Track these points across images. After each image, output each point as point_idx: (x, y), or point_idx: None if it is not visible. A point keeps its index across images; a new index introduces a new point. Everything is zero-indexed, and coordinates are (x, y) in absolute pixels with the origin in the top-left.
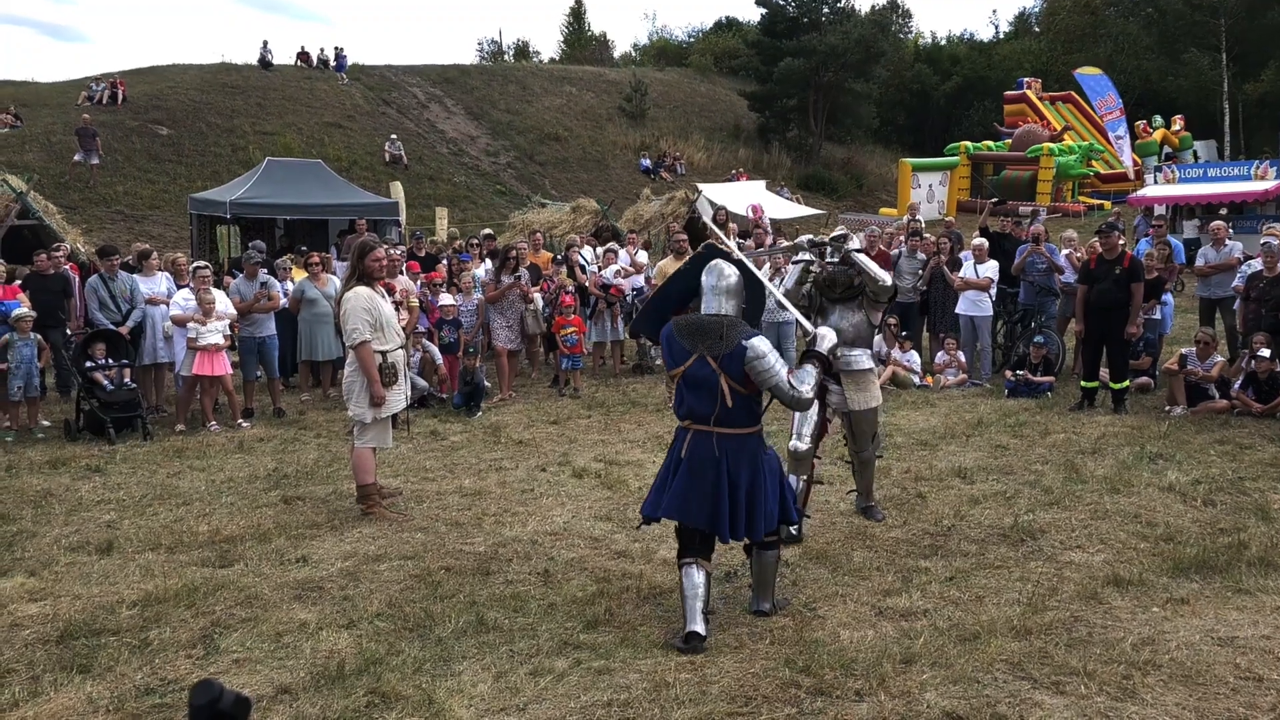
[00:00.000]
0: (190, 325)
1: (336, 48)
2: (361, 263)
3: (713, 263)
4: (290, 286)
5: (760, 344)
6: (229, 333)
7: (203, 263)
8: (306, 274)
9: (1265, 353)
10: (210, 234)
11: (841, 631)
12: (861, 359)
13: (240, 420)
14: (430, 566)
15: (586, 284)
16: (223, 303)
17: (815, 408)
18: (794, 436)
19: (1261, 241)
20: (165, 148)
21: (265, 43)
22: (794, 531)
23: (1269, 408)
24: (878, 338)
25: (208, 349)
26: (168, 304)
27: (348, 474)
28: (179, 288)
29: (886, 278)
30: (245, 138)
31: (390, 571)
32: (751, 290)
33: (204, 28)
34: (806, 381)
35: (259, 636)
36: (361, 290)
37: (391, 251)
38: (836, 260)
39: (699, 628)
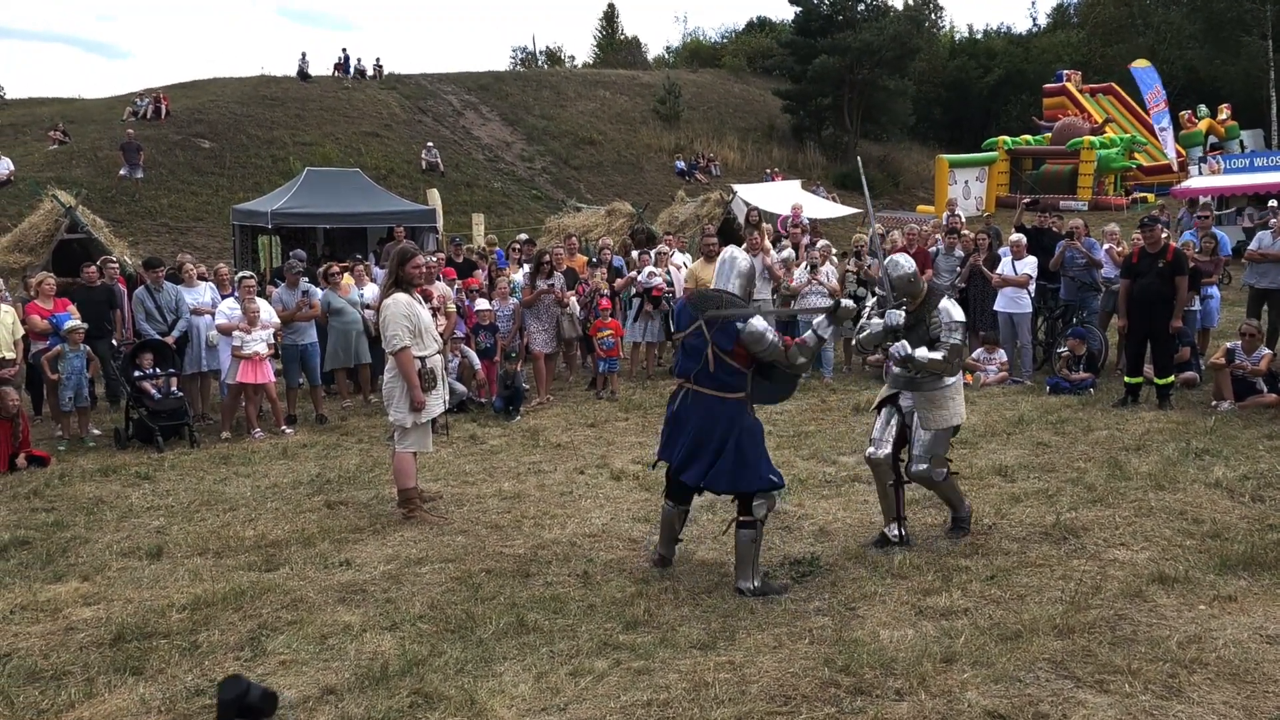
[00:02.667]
0: (235, 334)
1: (342, 48)
2: (401, 269)
3: (726, 251)
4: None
5: (758, 323)
6: (273, 341)
7: (248, 272)
8: (354, 282)
9: None
10: (252, 244)
11: (881, 631)
12: (917, 351)
13: (284, 427)
14: (471, 569)
15: (618, 287)
16: (266, 312)
17: (881, 416)
18: (871, 443)
19: None
20: (208, 160)
21: (304, 54)
22: (895, 536)
23: None
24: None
25: (252, 357)
26: (212, 314)
27: (389, 478)
28: (223, 297)
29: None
30: (285, 148)
31: (431, 574)
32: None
33: (243, 40)
34: (803, 353)
35: (304, 639)
36: (400, 297)
37: (429, 259)
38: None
39: (664, 550)
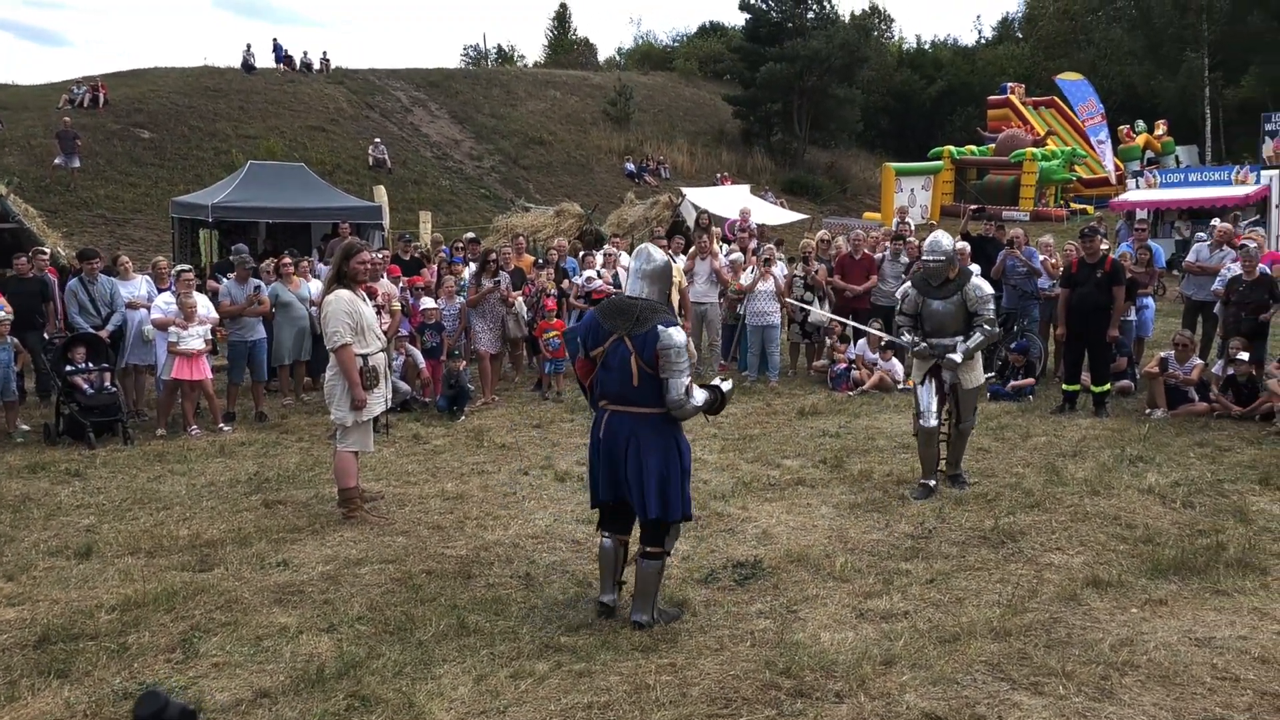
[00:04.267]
0: (171, 329)
1: (274, 39)
2: (346, 264)
3: (642, 246)
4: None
5: (676, 334)
6: (210, 337)
7: (186, 266)
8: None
9: (1244, 356)
10: (192, 238)
11: (822, 633)
12: (957, 353)
13: (221, 424)
14: (411, 570)
15: (568, 291)
16: (204, 307)
17: (934, 387)
18: (923, 415)
19: (1240, 245)
20: (147, 151)
21: (249, 45)
22: (930, 485)
23: (1248, 410)
24: (862, 342)
25: (188, 353)
26: (148, 308)
27: (329, 478)
28: (160, 291)
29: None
30: (227, 141)
31: (371, 575)
32: None
33: (185, 31)
34: (696, 398)
35: (238, 640)
36: (343, 293)
37: (374, 255)
38: (932, 258)
39: (606, 598)
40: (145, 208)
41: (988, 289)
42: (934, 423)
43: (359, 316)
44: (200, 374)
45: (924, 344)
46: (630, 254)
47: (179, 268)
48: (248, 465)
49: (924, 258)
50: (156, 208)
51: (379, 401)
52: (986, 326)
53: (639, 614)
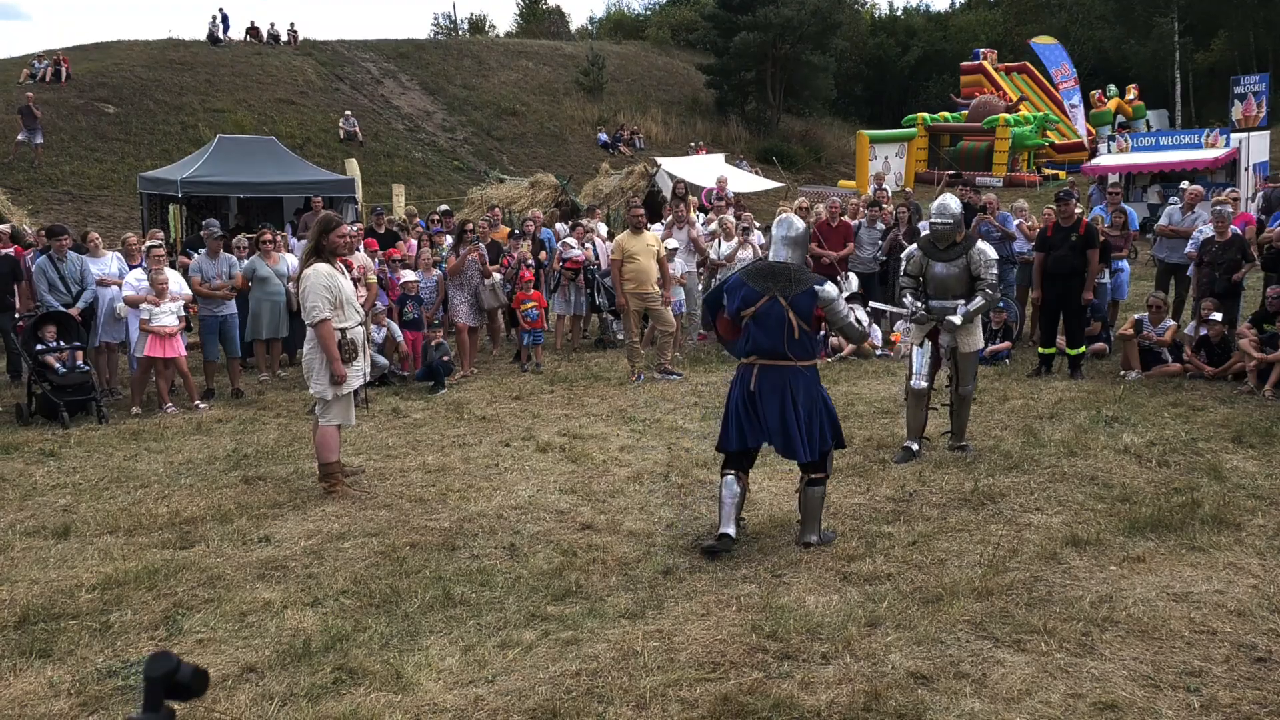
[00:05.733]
0: (143, 306)
1: (222, 10)
2: (325, 238)
3: (784, 215)
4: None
5: (831, 289)
6: (184, 314)
7: (157, 241)
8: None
9: (1216, 316)
10: (161, 213)
11: (807, 597)
12: (958, 316)
13: (198, 402)
14: (395, 543)
15: (545, 261)
16: (177, 283)
17: (930, 349)
18: (914, 376)
19: (1213, 207)
20: (112, 126)
21: (214, 17)
22: (913, 448)
23: (1220, 370)
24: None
25: (162, 331)
26: (119, 285)
27: (309, 453)
28: (131, 268)
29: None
30: (195, 115)
31: (355, 549)
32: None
33: (149, 3)
34: (861, 317)
35: (222, 616)
36: (321, 267)
37: (349, 229)
38: (940, 220)
39: (730, 530)
40: (112, 184)
41: (992, 253)
42: (924, 384)
43: (338, 290)
44: (174, 351)
45: (922, 309)
46: (605, 225)
47: (149, 244)
48: (226, 442)
49: (932, 220)
50: (124, 184)
51: (358, 375)
52: (989, 290)
53: (808, 535)
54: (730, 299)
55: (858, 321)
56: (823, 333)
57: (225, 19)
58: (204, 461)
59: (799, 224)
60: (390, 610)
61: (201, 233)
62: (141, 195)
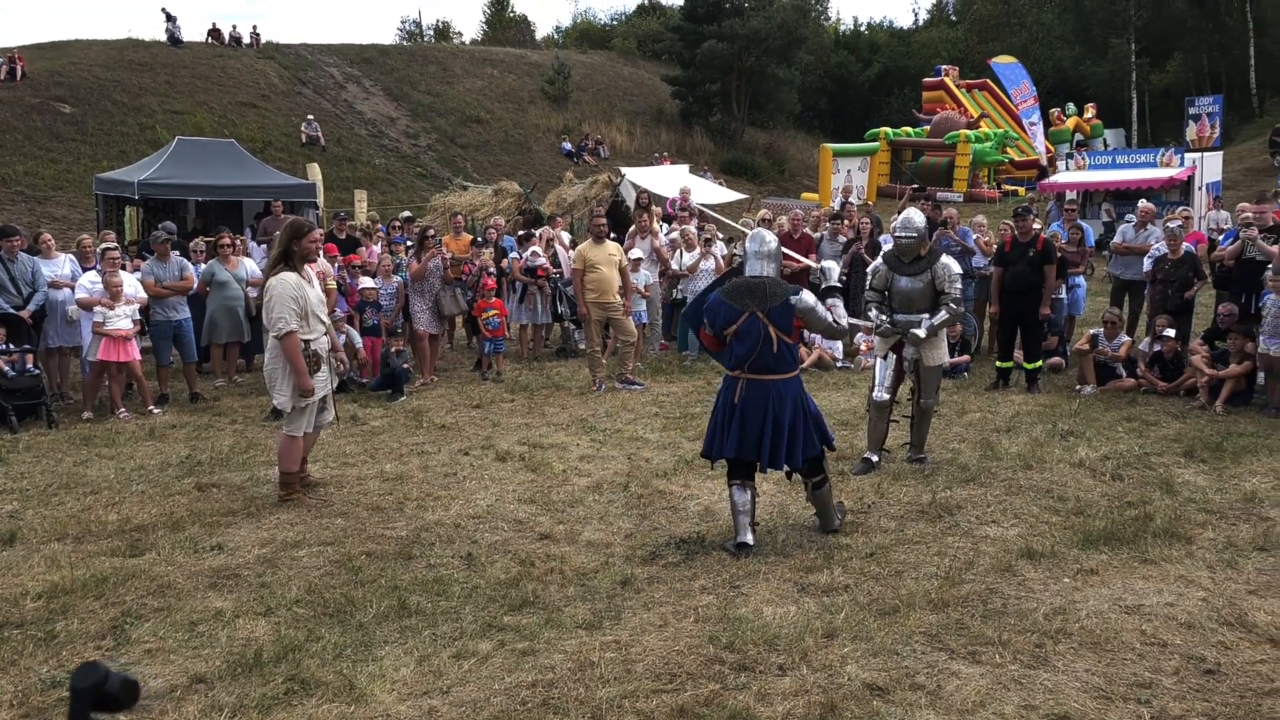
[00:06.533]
0: (97, 309)
1: (162, 9)
2: (298, 243)
3: (755, 230)
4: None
5: (807, 297)
6: (138, 317)
7: (111, 244)
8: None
9: (1170, 333)
10: (118, 215)
11: (765, 608)
12: (922, 329)
13: (152, 407)
14: (351, 552)
15: (507, 268)
16: (131, 286)
17: (893, 362)
18: (877, 388)
19: (1165, 225)
20: (68, 126)
21: (175, 19)
22: (873, 460)
23: (1173, 385)
24: None
25: (115, 334)
26: (72, 287)
27: (265, 460)
28: (84, 270)
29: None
30: (153, 116)
31: (309, 558)
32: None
33: (109, 3)
34: (842, 313)
35: (172, 626)
36: (289, 277)
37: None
38: (905, 234)
39: (748, 538)
40: (67, 185)
41: (956, 268)
42: (886, 397)
43: (305, 300)
44: (128, 355)
45: (887, 323)
46: (569, 234)
47: (103, 246)
48: (179, 448)
49: (897, 234)
50: (79, 185)
51: (323, 385)
52: (953, 305)
53: (830, 524)
54: (711, 319)
55: (835, 322)
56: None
57: (170, 19)
58: (156, 468)
59: (771, 238)
60: (344, 620)
61: (153, 235)
62: (97, 197)
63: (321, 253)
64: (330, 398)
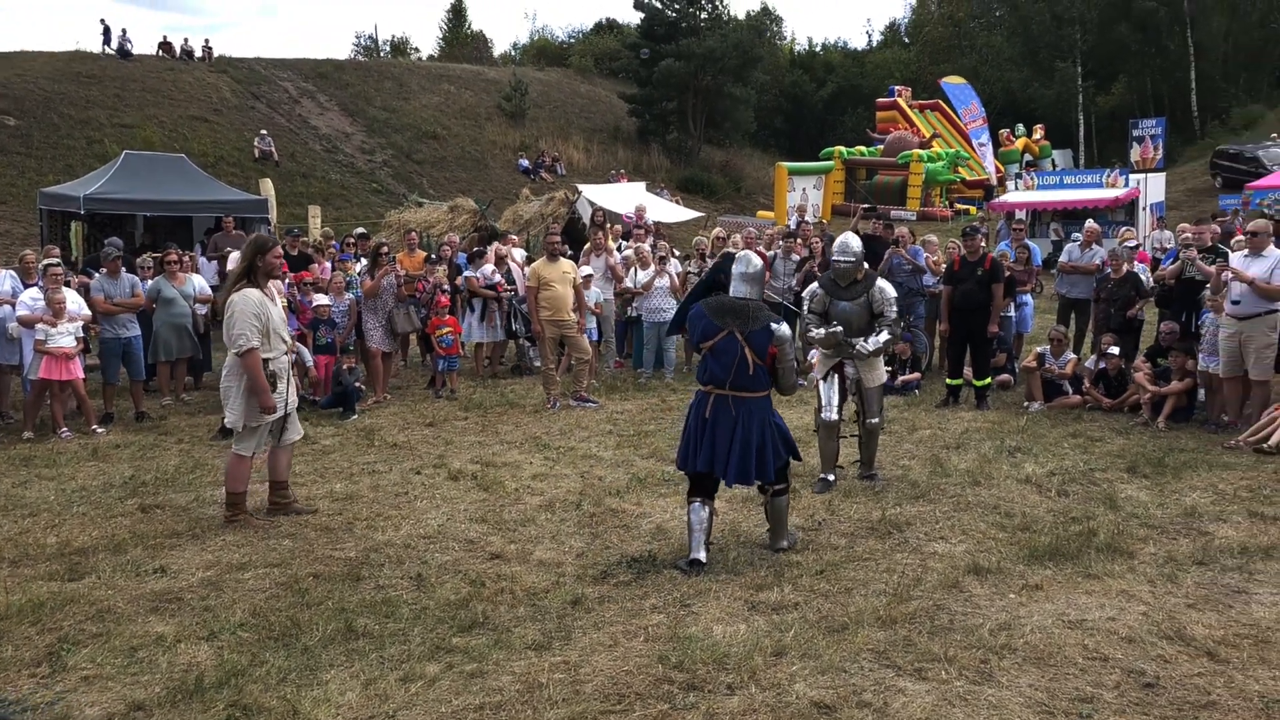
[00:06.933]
0: (39, 327)
1: (122, 29)
2: (262, 258)
3: (742, 252)
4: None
5: (786, 329)
6: (82, 335)
7: (54, 260)
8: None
9: (1114, 351)
10: (62, 230)
11: (715, 626)
12: (867, 347)
13: (95, 426)
14: (298, 574)
15: (461, 286)
16: (74, 303)
17: (836, 383)
18: (825, 409)
19: (1119, 245)
20: (13, 139)
21: (124, 31)
22: (829, 479)
23: (1117, 402)
24: None
25: (58, 352)
26: (13, 304)
27: (211, 480)
28: (26, 286)
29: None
30: (102, 130)
31: (255, 580)
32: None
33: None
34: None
35: (111, 651)
36: (251, 293)
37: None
38: (842, 259)
39: (701, 556)
40: (10, 199)
41: (892, 291)
42: (835, 416)
43: (267, 318)
44: (71, 374)
45: (838, 329)
46: (518, 250)
47: (46, 262)
48: (123, 469)
49: (834, 258)
50: (23, 199)
51: (281, 403)
52: (892, 326)
53: (779, 542)
54: (691, 330)
55: (796, 363)
56: None
57: (108, 30)
58: (99, 488)
59: (756, 261)
60: (290, 643)
61: (103, 251)
62: (41, 211)
63: None
64: (295, 415)
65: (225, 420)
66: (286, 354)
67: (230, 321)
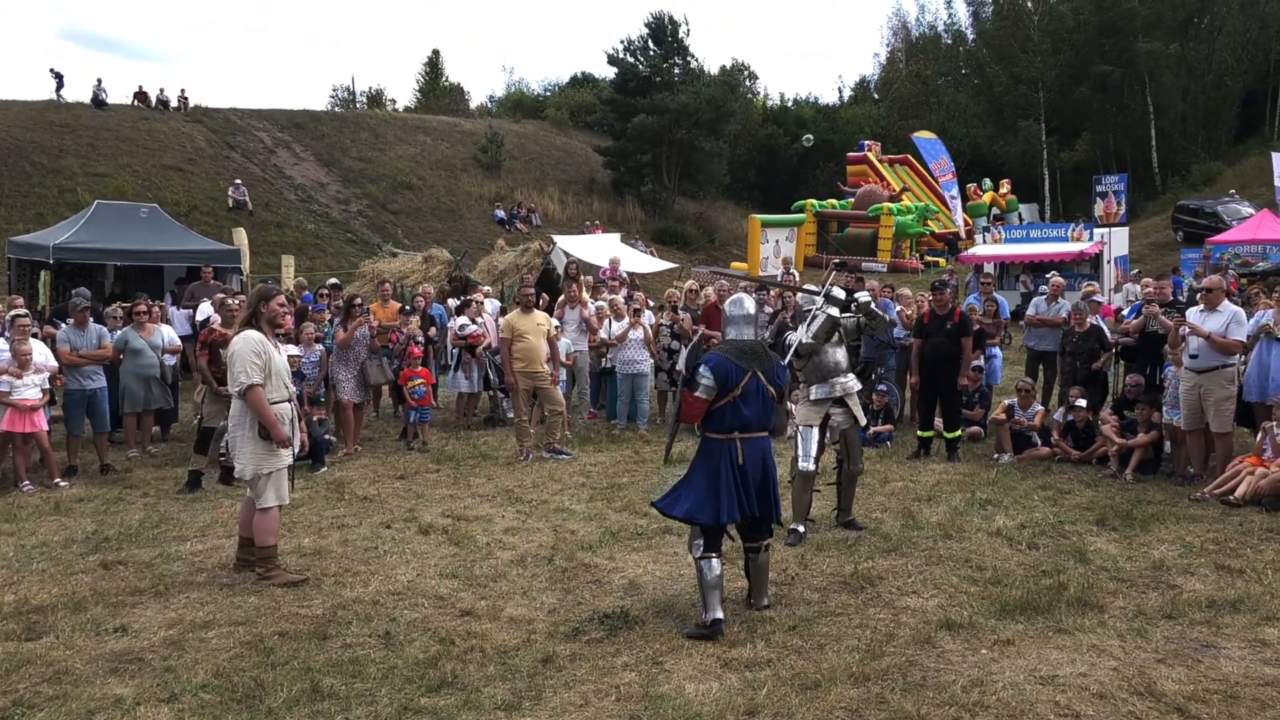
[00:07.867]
0: (3, 378)
1: (98, 79)
2: (266, 305)
3: (737, 295)
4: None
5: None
6: (48, 387)
7: (21, 310)
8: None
9: (1081, 403)
10: (31, 280)
11: (687, 685)
12: (854, 383)
13: (58, 480)
14: (263, 632)
15: (435, 337)
16: (41, 354)
17: (815, 434)
18: (803, 459)
19: (1082, 299)
20: None
21: (99, 80)
22: (800, 531)
23: (1086, 454)
24: None
25: (22, 405)
26: None
27: (176, 535)
28: None
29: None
30: (74, 179)
31: (219, 639)
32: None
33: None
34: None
35: (68, 715)
36: (252, 334)
37: (229, 301)
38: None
39: (720, 614)
40: None
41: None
42: (813, 467)
43: (268, 359)
44: (34, 426)
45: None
46: (491, 301)
47: (13, 313)
48: (85, 523)
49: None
50: None
51: (288, 452)
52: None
53: (762, 599)
54: (723, 381)
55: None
56: None
57: (60, 79)
58: (60, 544)
59: (750, 302)
60: (253, 705)
61: (70, 302)
62: (10, 260)
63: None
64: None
65: (235, 471)
66: (289, 401)
67: (232, 360)
